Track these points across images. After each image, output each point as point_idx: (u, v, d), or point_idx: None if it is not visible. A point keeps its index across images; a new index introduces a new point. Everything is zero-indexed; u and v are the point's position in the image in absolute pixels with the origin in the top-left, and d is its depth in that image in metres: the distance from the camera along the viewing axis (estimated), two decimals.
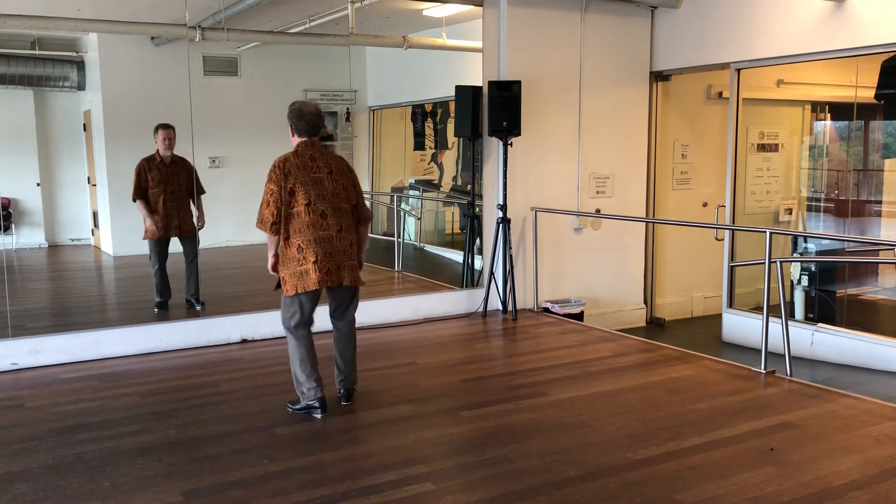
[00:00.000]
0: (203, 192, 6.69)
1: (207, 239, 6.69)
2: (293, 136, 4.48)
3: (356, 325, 4.73)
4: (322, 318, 4.64)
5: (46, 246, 7.53)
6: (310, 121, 4.44)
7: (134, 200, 6.46)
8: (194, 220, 6.60)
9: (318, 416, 4.39)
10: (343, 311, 4.62)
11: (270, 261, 4.44)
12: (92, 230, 7.80)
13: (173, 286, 6.59)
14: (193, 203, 6.62)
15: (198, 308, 6.49)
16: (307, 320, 4.45)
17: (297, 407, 4.47)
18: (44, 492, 3.46)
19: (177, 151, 6.61)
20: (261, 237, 6.92)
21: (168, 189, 6.46)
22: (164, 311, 6.48)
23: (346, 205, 4.43)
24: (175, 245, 6.60)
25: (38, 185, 7.46)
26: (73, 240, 7.71)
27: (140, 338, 5.78)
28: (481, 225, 7.26)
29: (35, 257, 7.52)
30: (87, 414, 4.46)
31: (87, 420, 4.36)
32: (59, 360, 5.50)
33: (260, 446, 3.96)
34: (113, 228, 7.50)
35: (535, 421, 4.32)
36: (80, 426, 4.26)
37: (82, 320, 6.65)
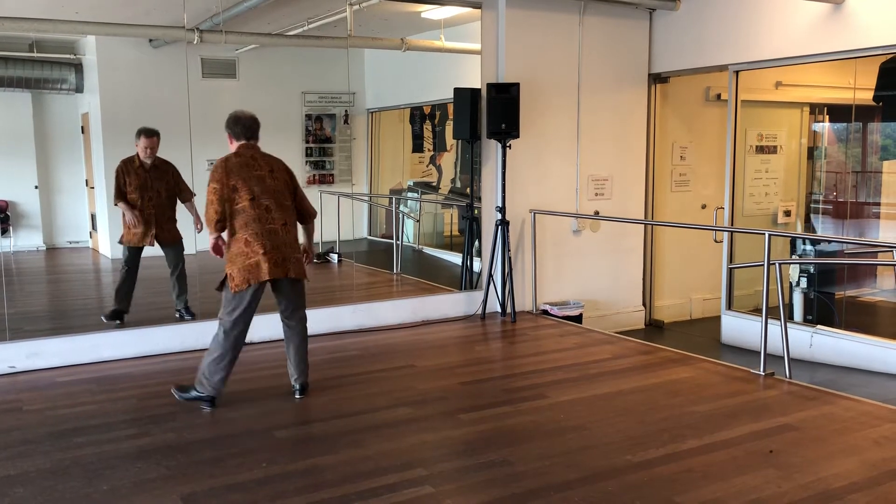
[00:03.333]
0: (193, 195, 6.41)
1: (205, 242, 6.66)
2: (231, 142, 4.61)
3: (308, 332, 4.84)
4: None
5: (44, 249, 7.52)
6: (245, 124, 4.58)
7: (115, 204, 6.24)
8: (178, 228, 6.35)
9: (207, 409, 4.51)
10: (292, 309, 4.70)
11: (211, 241, 4.48)
12: (90, 233, 7.79)
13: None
14: (189, 209, 6.41)
15: (188, 318, 6.31)
16: (248, 317, 4.49)
17: (188, 396, 4.56)
18: (42, 496, 3.45)
19: (176, 154, 6.59)
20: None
21: (146, 195, 6.19)
22: (114, 322, 6.06)
23: (287, 202, 4.57)
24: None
25: (36, 187, 7.46)
26: (71, 242, 7.69)
27: (138, 341, 5.78)
28: (480, 227, 7.25)
29: (33, 260, 7.51)
30: (84, 417, 4.45)
31: (84, 423, 4.35)
32: (57, 363, 5.49)
33: (258, 450, 3.95)
34: (111, 231, 7.48)
35: (535, 424, 4.31)
36: (78, 430, 4.25)
37: (80, 323, 6.63)
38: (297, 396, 4.74)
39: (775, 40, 6.65)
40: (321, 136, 8.40)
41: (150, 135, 6.22)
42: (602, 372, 5.36)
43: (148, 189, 6.22)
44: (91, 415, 4.50)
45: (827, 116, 8.45)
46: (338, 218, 8.17)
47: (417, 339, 6.26)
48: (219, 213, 4.40)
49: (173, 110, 6.48)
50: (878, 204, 7.75)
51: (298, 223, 4.72)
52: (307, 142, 8.34)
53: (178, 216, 6.50)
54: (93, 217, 7.74)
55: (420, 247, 9.15)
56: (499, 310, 7.08)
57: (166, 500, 3.39)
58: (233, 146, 4.59)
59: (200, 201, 6.56)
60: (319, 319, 6.39)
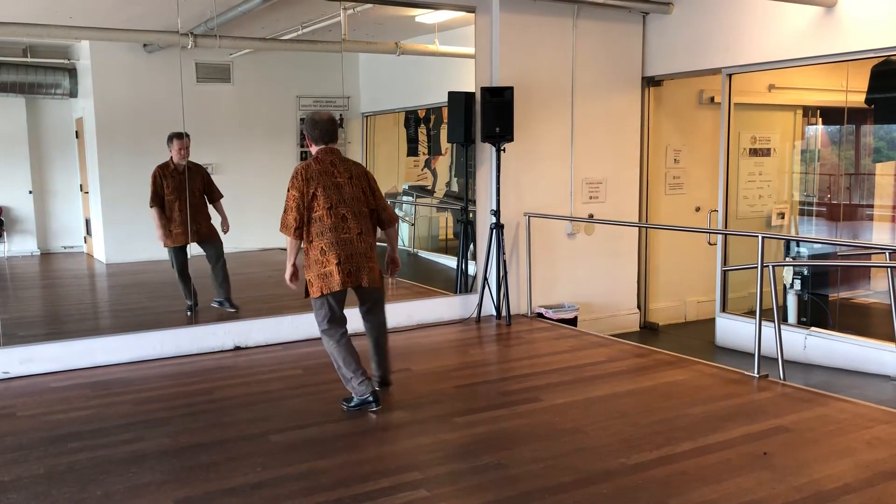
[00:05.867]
0: (221, 196, 6.70)
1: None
2: (310, 145, 4.62)
3: (388, 328, 4.93)
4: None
5: (39, 254, 7.51)
6: (323, 128, 4.56)
7: (151, 207, 6.44)
8: (213, 224, 6.62)
9: (374, 408, 4.51)
10: (372, 312, 4.79)
11: (289, 270, 4.52)
12: (84, 238, 7.78)
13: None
14: (217, 210, 6.66)
15: (230, 311, 6.54)
16: (338, 319, 4.56)
17: (352, 404, 4.57)
18: (35, 501, 3.44)
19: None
20: (254, 244, 6.93)
21: (182, 196, 6.45)
22: (195, 314, 6.51)
23: (365, 208, 4.59)
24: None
25: (31, 192, 7.45)
26: (65, 247, 7.68)
27: (133, 346, 5.76)
28: (475, 230, 7.26)
29: (27, 265, 7.50)
30: (79, 422, 4.44)
31: (79, 429, 4.34)
32: (52, 368, 5.47)
33: (253, 454, 3.95)
34: (105, 236, 7.47)
35: (529, 427, 4.32)
36: (73, 435, 4.24)
37: (75, 328, 6.62)
38: (376, 388, 4.70)
39: (768, 43, 6.68)
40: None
41: (182, 137, 6.44)
42: (597, 375, 5.37)
43: (184, 190, 6.45)
44: (85, 420, 4.49)
45: (820, 119, 8.49)
46: None
47: (413, 343, 6.26)
48: (297, 220, 4.41)
49: (168, 115, 6.48)
50: (872, 206, 7.78)
51: (378, 228, 4.74)
52: (302, 146, 8.35)
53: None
54: (87, 222, 7.72)
55: (415, 250, 9.16)
56: (494, 313, 7.09)
57: None
58: (313, 149, 4.60)
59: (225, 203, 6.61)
60: (315, 324, 6.37)
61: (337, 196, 4.45)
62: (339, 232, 4.44)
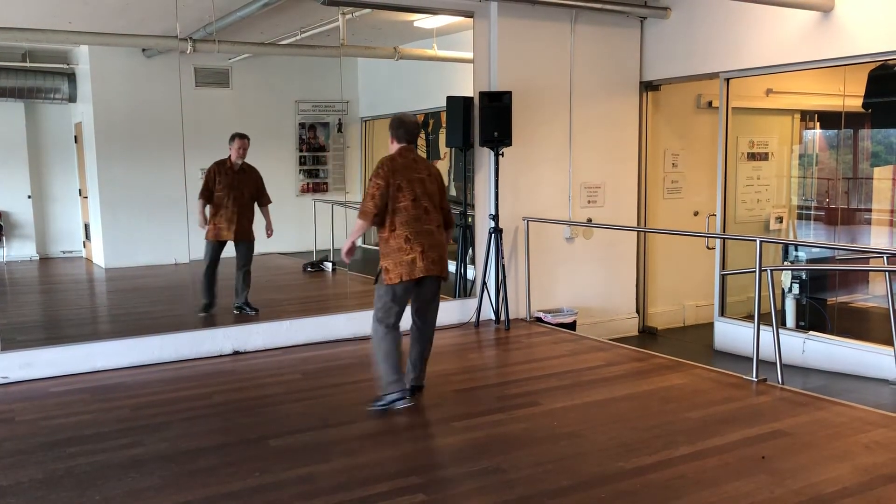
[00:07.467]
0: (269, 201, 6.88)
1: (199, 250, 6.68)
2: (393, 142, 4.78)
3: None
4: None
5: (38, 258, 7.52)
6: (408, 129, 4.77)
7: (199, 199, 6.60)
8: (254, 228, 6.81)
9: (402, 405, 4.56)
10: (426, 310, 4.84)
11: (348, 245, 4.71)
12: (84, 242, 7.79)
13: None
14: (264, 214, 6.83)
15: (251, 314, 6.67)
16: (398, 312, 4.66)
17: (380, 403, 4.60)
18: None
19: (169, 162, 6.61)
20: (255, 249, 6.92)
21: (232, 194, 6.63)
22: (208, 316, 6.60)
23: (438, 206, 4.78)
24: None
25: (30, 197, 7.46)
26: (64, 252, 7.69)
27: (132, 350, 5.76)
28: (473, 235, 7.27)
29: (26, 270, 7.51)
30: (78, 427, 4.44)
31: (78, 433, 4.34)
32: (51, 373, 5.47)
33: (252, 458, 3.95)
34: (105, 240, 7.49)
35: (528, 431, 4.32)
36: (71, 439, 4.24)
37: (74, 333, 6.62)
38: (408, 386, 4.74)
39: (765, 48, 6.70)
40: (315, 145, 8.43)
41: (244, 137, 6.70)
42: (595, 379, 5.38)
43: (234, 189, 6.65)
44: (84, 425, 4.49)
45: (818, 123, 8.51)
46: (332, 226, 8.18)
47: None
48: (378, 207, 4.56)
49: (166, 119, 6.49)
50: (870, 210, 7.79)
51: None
52: (301, 150, 8.37)
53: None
54: (86, 227, 7.73)
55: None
56: (493, 317, 7.09)
57: None
58: (393, 147, 4.75)
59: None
60: (314, 328, 6.40)
61: (420, 189, 4.64)
62: (423, 223, 4.62)
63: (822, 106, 8.10)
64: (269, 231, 6.86)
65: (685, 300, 8.46)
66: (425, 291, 4.77)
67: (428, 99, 8.25)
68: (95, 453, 4.03)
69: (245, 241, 6.76)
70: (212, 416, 4.62)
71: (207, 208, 6.63)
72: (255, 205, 6.82)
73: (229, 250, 6.72)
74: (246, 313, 6.69)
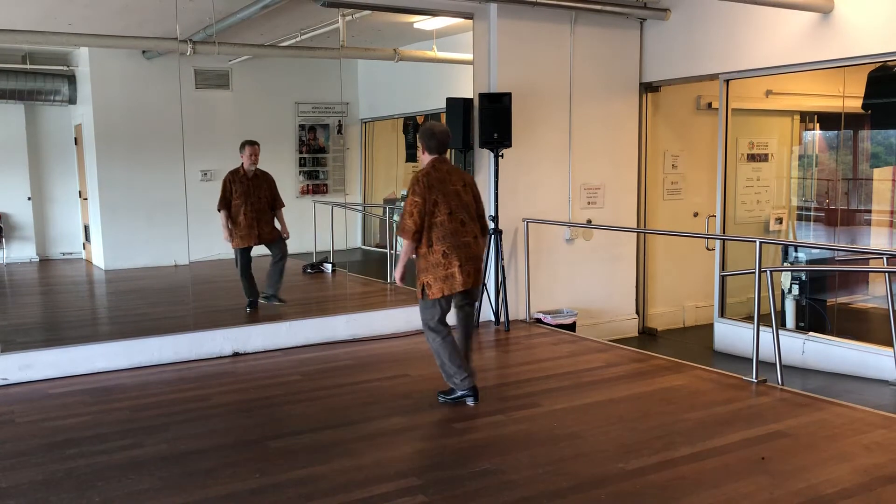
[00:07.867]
0: (283, 205, 7.02)
1: (198, 252, 6.69)
2: (423, 153, 4.82)
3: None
4: None
5: (38, 260, 7.52)
6: (440, 139, 4.79)
7: (219, 210, 6.74)
8: (275, 227, 6.98)
9: (471, 403, 4.75)
10: (465, 308, 4.99)
11: (400, 270, 4.81)
12: (83, 244, 7.79)
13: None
14: (278, 217, 6.97)
15: (277, 304, 6.85)
16: (446, 314, 4.81)
17: (451, 397, 4.82)
18: None
19: (169, 164, 6.61)
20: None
21: (249, 201, 6.78)
22: (254, 311, 6.87)
23: (475, 215, 4.86)
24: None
25: (30, 199, 7.46)
26: (64, 254, 7.70)
27: (131, 352, 5.76)
28: None
29: (26, 271, 7.51)
30: (77, 429, 4.44)
31: (77, 435, 4.34)
32: (50, 374, 5.47)
33: (252, 460, 3.95)
34: (104, 242, 7.49)
35: (527, 432, 4.32)
36: (71, 441, 4.24)
37: (73, 335, 6.62)
38: (476, 384, 4.88)
39: (765, 49, 6.70)
40: (315, 147, 8.44)
41: (254, 144, 6.81)
42: (595, 380, 5.38)
43: (251, 195, 6.81)
44: (84, 426, 4.49)
45: (817, 124, 8.51)
46: (331, 228, 8.18)
47: (411, 349, 6.26)
48: (417, 224, 4.63)
49: (166, 121, 6.50)
50: (869, 211, 7.80)
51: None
52: (301, 152, 8.37)
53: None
54: (86, 228, 7.74)
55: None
56: (492, 318, 7.09)
57: None
58: (424, 157, 4.80)
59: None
60: (313, 329, 6.40)
61: (456, 202, 4.69)
62: (460, 236, 4.67)
63: (821, 107, 8.11)
64: (286, 234, 6.99)
65: (685, 301, 8.46)
66: (465, 296, 4.90)
67: (428, 100, 8.25)
68: (95, 455, 4.04)
69: (271, 241, 6.93)
70: (211, 418, 4.62)
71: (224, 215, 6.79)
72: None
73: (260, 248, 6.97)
74: (272, 303, 6.89)
